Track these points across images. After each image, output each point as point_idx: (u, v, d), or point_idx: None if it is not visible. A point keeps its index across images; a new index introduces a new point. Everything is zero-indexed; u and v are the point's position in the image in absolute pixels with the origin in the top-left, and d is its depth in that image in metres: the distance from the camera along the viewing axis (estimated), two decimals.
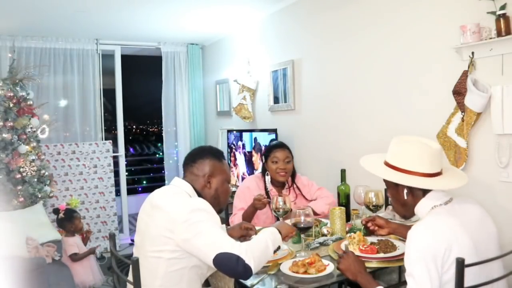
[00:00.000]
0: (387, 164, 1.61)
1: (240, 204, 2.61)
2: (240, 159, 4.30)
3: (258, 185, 2.68)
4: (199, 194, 1.76)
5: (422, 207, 1.54)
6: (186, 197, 1.70)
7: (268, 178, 2.66)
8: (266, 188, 2.65)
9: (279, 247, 1.67)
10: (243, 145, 4.22)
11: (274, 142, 2.87)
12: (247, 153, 4.19)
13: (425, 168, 1.53)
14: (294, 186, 2.71)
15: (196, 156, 1.84)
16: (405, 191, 1.56)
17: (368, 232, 1.98)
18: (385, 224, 1.93)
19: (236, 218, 2.54)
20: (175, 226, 1.56)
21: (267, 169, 2.67)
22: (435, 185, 1.52)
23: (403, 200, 1.58)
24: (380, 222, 1.94)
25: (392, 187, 1.60)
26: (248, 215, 2.46)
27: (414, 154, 1.54)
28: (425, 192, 1.54)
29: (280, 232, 1.70)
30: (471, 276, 1.37)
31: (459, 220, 1.44)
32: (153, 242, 1.61)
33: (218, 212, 1.82)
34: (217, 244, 1.50)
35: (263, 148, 3.89)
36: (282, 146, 2.71)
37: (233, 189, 4.29)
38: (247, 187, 2.68)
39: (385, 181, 1.63)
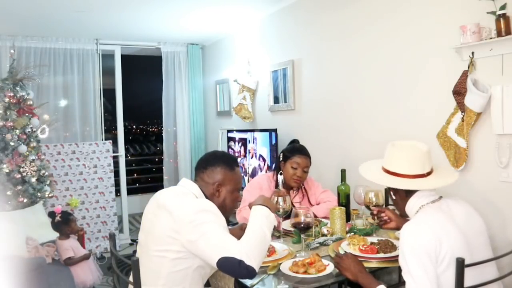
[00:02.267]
0: (382, 167, 1.70)
1: (251, 198, 2.54)
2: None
3: (269, 186, 2.65)
4: (207, 198, 1.75)
5: (410, 207, 1.61)
6: (192, 198, 1.69)
7: (281, 177, 2.57)
8: (277, 188, 2.60)
9: (274, 227, 1.66)
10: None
11: (298, 146, 2.72)
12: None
13: (411, 170, 1.60)
14: (302, 187, 2.70)
15: (208, 162, 1.80)
16: (392, 191, 1.68)
17: (379, 222, 2.00)
18: (393, 218, 1.95)
19: (246, 210, 2.50)
20: (181, 226, 1.56)
21: (282, 170, 2.62)
22: (419, 185, 1.59)
23: (393, 199, 1.70)
24: (389, 214, 1.96)
25: (387, 189, 1.73)
26: None
27: (401, 157, 1.64)
28: (407, 192, 1.62)
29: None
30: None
31: (447, 215, 1.50)
32: (157, 242, 1.61)
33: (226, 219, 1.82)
34: (220, 248, 1.50)
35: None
36: (305, 153, 2.63)
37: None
38: (258, 183, 2.65)
39: None
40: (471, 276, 1.42)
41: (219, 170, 1.77)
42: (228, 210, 1.82)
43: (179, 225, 1.56)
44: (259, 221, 1.61)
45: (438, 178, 1.63)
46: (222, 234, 1.54)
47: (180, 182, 1.80)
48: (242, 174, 4.31)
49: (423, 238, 1.41)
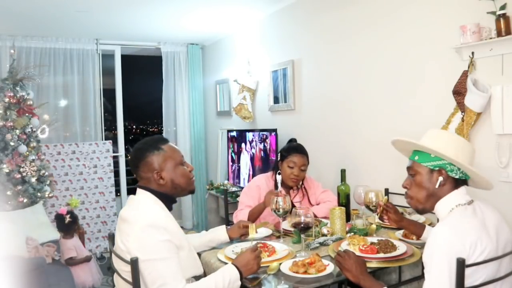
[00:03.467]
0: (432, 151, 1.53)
1: (248, 201, 2.57)
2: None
3: (267, 185, 2.65)
4: (160, 193, 1.68)
5: (444, 203, 1.51)
6: (147, 208, 1.62)
7: (279, 177, 2.55)
8: (276, 188, 2.60)
9: None
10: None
11: (294, 144, 2.73)
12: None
13: (467, 162, 1.49)
14: (302, 187, 2.70)
15: (135, 159, 1.70)
16: (441, 179, 1.50)
17: (380, 219, 2.02)
18: (397, 220, 1.95)
19: (241, 214, 2.51)
20: (128, 240, 1.53)
21: (280, 169, 2.62)
22: (478, 173, 1.48)
23: (432, 189, 1.52)
24: (393, 217, 1.95)
25: (424, 174, 1.53)
26: (255, 213, 2.44)
27: (458, 145, 1.51)
28: (457, 185, 1.51)
29: (241, 273, 1.60)
30: (485, 277, 1.39)
31: (481, 222, 1.44)
32: (120, 256, 1.57)
33: (190, 192, 1.76)
34: (157, 281, 1.47)
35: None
36: (302, 151, 2.63)
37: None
38: (257, 186, 2.64)
39: (412, 168, 1.58)
40: (486, 278, 1.40)
41: (148, 159, 1.67)
42: (184, 186, 1.72)
43: (126, 236, 1.53)
44: (221, 283, 1.55)
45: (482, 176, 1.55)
46: (167, 268, 1.49)
47: (137, 192, 1.71)
48: (243, 174, 4.31)
49: (457, 242, 1.36)
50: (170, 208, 1.71)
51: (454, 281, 1.35)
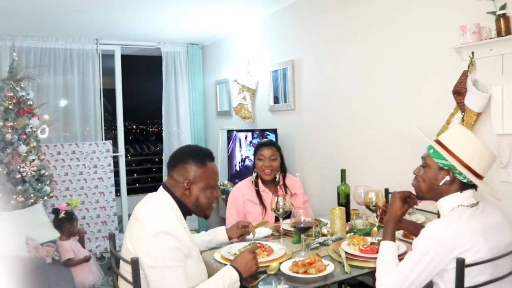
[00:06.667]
0: (440, 143, 1.54)
1: (232, 210, 2.65)
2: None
3: (249, 188, 2.70)
4: (179, 201, 1.66)
5: (448, 201, 1.51)
6: (163, 212, 1.59)
7: (256, 176, 2.69)
8: (257, 189, 2.68)
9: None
10: None
11: (262, 140, 2.91)
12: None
13: (480, 169, 1.48)
14: (288, 185, 2.73)
15: (176, 159, 1.68)
16: (446, 178, 1.50)
17: (379, 220, 2.01)
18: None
19: None
20: (137, 242, 1.52)
21: (255, 167, 2.72)
22: (482, 186, 1.48)
23: (436, 185, 1.54)
24: None
25: (434, 169, 1.54)
26: None
27: (477, 151, 1.49)
28: (462, 188, 1.51)
29: (241, 274, 1.61)
30: (482, 277, 1.40)
31: (480, 225, 1.43)
32: (121, 257, 1.58)
33: (205, 216, 1.75)
34: None
35: None
36: (269, 144, 2.74)
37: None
38: (240, 192, 2.70)
39: (425, 159, 1.58)
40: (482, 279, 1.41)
41: (188, 167, 1.64)
42: (205, 208, 1.70)
43: (135, 239, 1.53)
44: (221, 285, 1.55)
45: (490, 186, 1.54)
46: (173, 277, 1.48)
47: (158, 191, 1.70)
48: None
49: (446, 243, 1.37)
50: (184, 218, 1.69)
51: (425, 275, 1.39)
